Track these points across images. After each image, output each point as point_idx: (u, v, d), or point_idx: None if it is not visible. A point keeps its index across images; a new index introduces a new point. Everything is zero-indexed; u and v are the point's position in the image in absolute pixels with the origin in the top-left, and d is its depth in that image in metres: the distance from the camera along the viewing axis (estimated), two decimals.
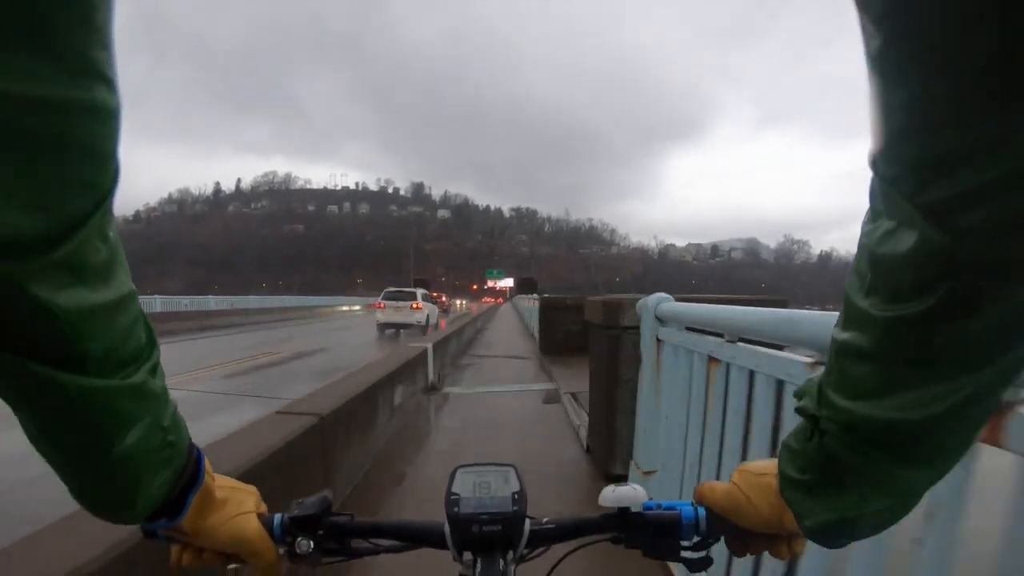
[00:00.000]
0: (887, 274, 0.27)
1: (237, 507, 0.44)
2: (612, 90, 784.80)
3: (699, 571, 0.45)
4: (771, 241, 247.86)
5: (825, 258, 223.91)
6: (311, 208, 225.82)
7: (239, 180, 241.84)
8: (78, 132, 0.23)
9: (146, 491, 0.36)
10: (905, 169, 0.24)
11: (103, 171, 0.25)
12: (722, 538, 0.45)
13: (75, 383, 0.28)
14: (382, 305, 14.31)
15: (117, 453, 0.33)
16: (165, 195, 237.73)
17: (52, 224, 0.23)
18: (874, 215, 0.28)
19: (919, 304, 0.26)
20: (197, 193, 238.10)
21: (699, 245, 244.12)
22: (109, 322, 0.29)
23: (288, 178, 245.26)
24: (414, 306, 14.33)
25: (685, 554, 0.45)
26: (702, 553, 0.45)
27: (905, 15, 0.20)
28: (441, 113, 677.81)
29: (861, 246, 0.30)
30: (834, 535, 0.38)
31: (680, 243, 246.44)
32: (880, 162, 0.25)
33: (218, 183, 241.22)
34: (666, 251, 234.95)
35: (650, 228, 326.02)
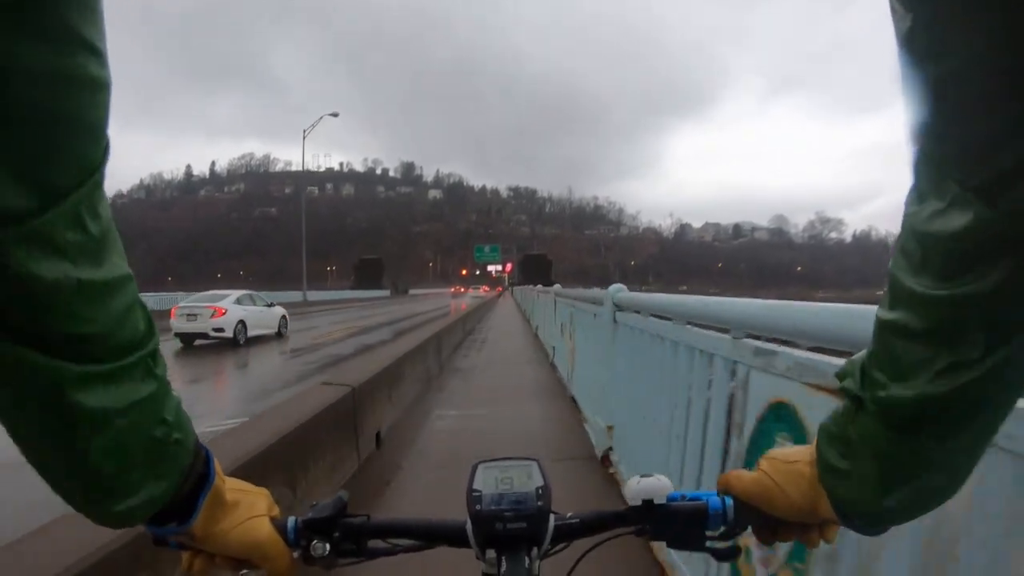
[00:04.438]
0: (939, 253, 0.28)
1: (249, 510, 0.44)
2: (612, 54, 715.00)
3: (726, 560, 0.47)
4: (800, 219, 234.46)
5: (862, 238, 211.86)
6: (288, 191, 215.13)
7: (213, 163, 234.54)
8: (65, 103, 0.24)
9: (150, 491, 0.36)
10: (948, 149, 0.25)
11: (92, 144, 0.26)
12: (749, 527, 0.46)
13: (62, 368, 0.28)
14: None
15: (111, 449, 0.32)
16: (137, 181, 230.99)
17: (35, 194, 0.24)
18: (919, 195, 0.29)
19: (976, 281, 0.27)
20: (170, 178, 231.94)
21: (717, 225, 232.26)
22: (101, 305, 0.29)
23: (267, 160, 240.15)
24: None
25: (711, 544, 0.46)
26: (729, 543, 0.46)
27: None
28: (427, 81, 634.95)
29: (907, 226, 0.30)
30: (875, 520, 0.39)
31: (696, 224, 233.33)
32: (921, 142, 0.26)
33: (189, 166, 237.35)
34: (682, 231, 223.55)
35: (660, 207, 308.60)
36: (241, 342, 11.29)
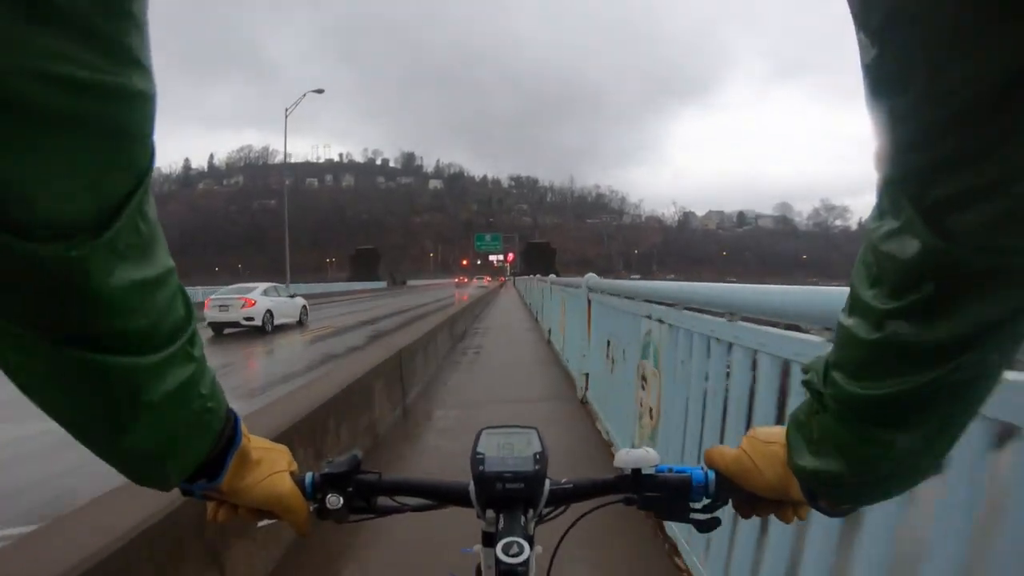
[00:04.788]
0: (891, 271, 0.30)
1: (271, 466, 0.48)
2: (613, 38, 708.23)
3: (707, 531, 0.50)
4: (804, 207, 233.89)
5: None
6: (287, 182, 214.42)
7: (212, 155, 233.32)
8: (118, 116, 0.25)
9: (187, 455, 0.40)
10: (906, 173, 0.27)
11: (142, 152, 0.27)
12: (730, 501, 0.50)
13: (119, 364, 0.31)
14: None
15: (158, 423, 0.35)
16: None
17: (101, 205, 0.26)
18: (880, 213, 0.31)
19: (913, 299, 0.29)
20: (168, 172, 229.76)
21: (721, 212, 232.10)
22: (151, 299, 0.31)
23: (266, 152, 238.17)
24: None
25: (695, 515, 0.49)
26: (711, 515, 0.50)
27: (901, 28, 0.23)
28: (428, 70, 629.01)
29: (866, 240, 0.33)
30: (839, 504, 0.42)
31: (699, 212, 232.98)
32: (883, 165, 0.28)
33: (187, 159, 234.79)
34: (686, 220, 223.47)
35: (663, 196, 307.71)
36: (268, 330, 12.40)
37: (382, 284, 71.16)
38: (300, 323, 14.07)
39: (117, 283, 0.28)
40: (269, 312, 12.57)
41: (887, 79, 0.25)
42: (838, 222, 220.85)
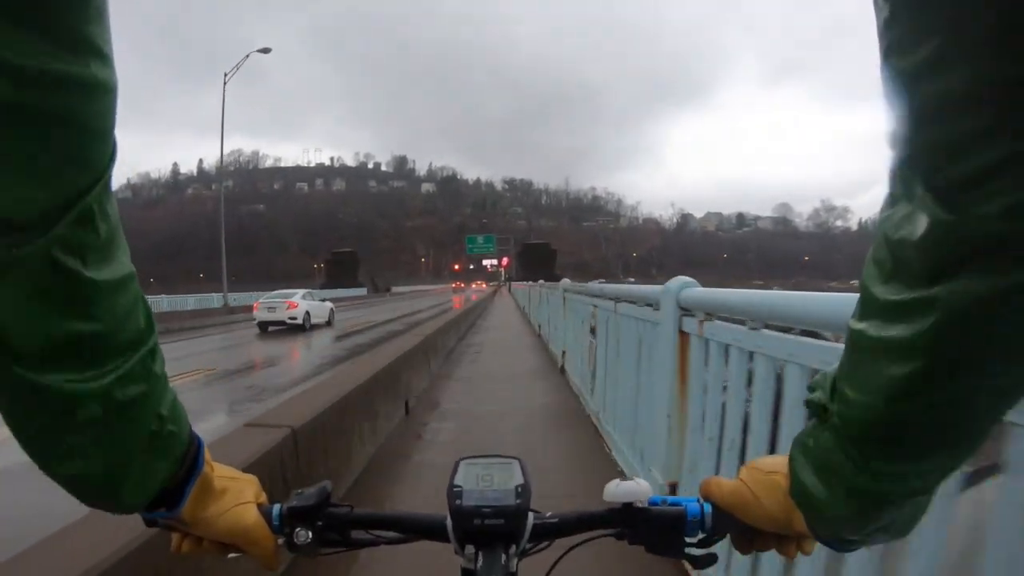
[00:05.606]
0: (908, 260, 0.28)
1: (236, 497, 0.47)
2: (606, 38, 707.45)
3: (704, 568, 0.50)
4: (804, 208, 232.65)
5: (869, 226, 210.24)
6: (276, 187, 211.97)
7: (201, 160, 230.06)
8: (75, 108, 0.24)
9: (144, 480, 0.38)
10: (918, 149, 0.25)
11: (100, 148, 0.26)
12: (728, 535, 0.47)
13: (64, 380, 0.29)
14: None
15: (112, 442, 0.34)
16: (124, 181, 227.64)
17: (56, 198, 0.25)
18: (892, 199, 0.29)
19: (944, 291, 0.26)
20: (157, 177, 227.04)
21: (720, 214, 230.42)
22: (108, 303, 0.30)
23: (256, 156, 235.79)
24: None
25: (690, 551, 0.47)
26: (707, 550, 0.47)
27: None
28: (419, 72, 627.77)
29: (879, 233, 0.30)
30: (847, 539, 0.39)
31: (697, 214, 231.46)
32: (895, 144, 0.26)
33: (176, 164, 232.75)
34: (684, 221, 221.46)
35: (660, 198, 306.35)
36: (307, 328, 14.90)
37: (362, 291, 62.20)
38: (329, 323, 16.33)
39: (73, 285, 0.27)
40: (308, 313, 15.02)
41: (898, 40, 0.23)
42: (839, 223, 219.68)
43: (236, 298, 25.97)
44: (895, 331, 0.29)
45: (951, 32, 0.21)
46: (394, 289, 75.93)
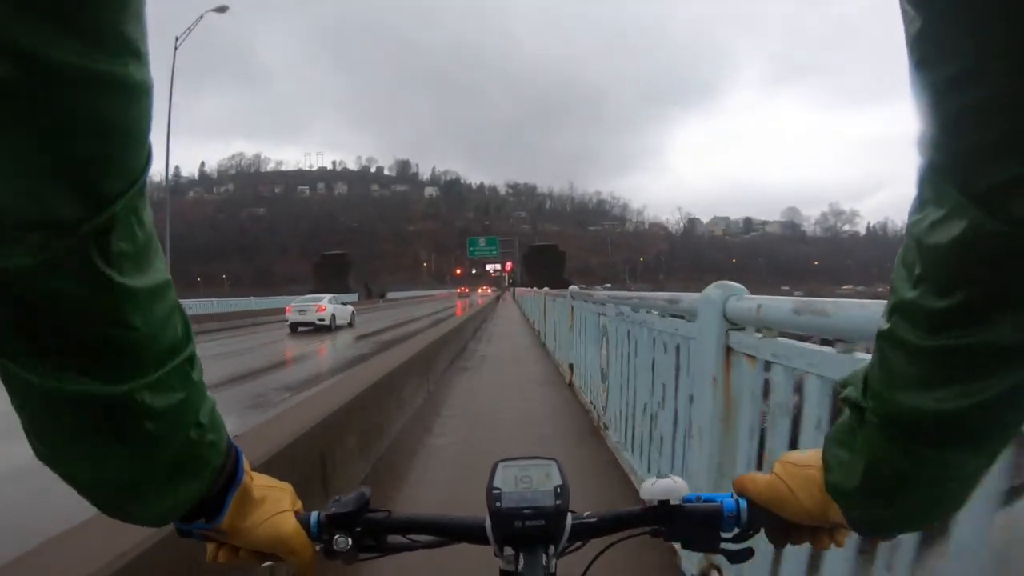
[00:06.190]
0: (935, 264, 0.28)
1: (275, 505, 0.46)
2: (611, 41, 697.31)
3: (740, 562, 0.49)
4: (812, 212, 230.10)
5: (878, 230, 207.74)
6: (277, 190, 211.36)
7: (202, 163, 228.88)
8: (113, 109, 0.24)
9: (182, 492, 0.37)
10: (950, 156, 0.25)
11: (136, 151, 0.26)
12: (762, 530, 0.48)
13: (99, 388, 0.29)
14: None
15: (149, 453, 0.33)
16: None
17: (89, 203, 0.24)
18: (922, 204, 0.29)
19: (968, 295, 0.27)
20: (158, 180, 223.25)
21: (727, 219, 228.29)
22: (145, 311, 0.30)
23: (258, 159, 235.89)
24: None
25: (725, 546, 0.48)
26: (743, 545, 0.48)
27: None
28: (423, 76, 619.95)
29: (908, 235, 0.31)
30: (883, 528, 0.40)
31: (704, 218, 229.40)
32: (927, 148, 0.26)
33: (177, 167, 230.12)
34: (691, 226, 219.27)
35: (666, 202, 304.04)
36: (333, 329, 17.17)
37: (353, 296, 51.16)
38: (350, 324, 18.64)
39: (108, 291, 0.27)
40: (333, 315, 17.41)
41: (932, 51, 0.23)
42: (847, 227, 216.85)
43: (234, 303, 27.11)
44: (924, 333, 0.30)
45: (986, 45, 0.21)
46: (389, 295, 68.65)
